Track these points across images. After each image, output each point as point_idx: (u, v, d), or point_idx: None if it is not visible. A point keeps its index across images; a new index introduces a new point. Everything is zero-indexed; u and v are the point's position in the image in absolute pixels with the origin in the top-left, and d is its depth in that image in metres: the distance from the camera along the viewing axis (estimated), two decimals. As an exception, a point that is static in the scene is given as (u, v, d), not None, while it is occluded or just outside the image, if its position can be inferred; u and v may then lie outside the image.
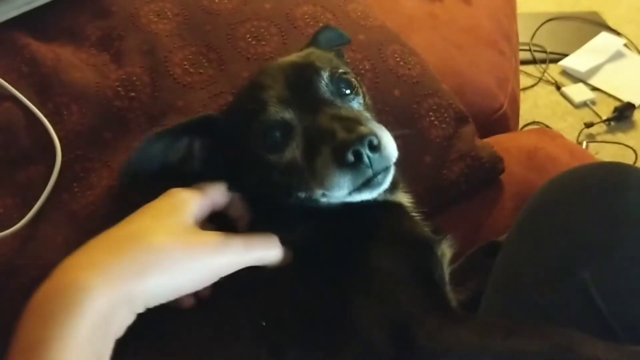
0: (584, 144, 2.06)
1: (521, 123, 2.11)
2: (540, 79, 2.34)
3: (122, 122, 0.78)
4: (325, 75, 0.66)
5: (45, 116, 0.77)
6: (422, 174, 0.89)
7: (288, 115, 0.63)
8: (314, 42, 0.78)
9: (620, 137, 2.14)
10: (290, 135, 0.63)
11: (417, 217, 0.72)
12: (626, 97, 2.23)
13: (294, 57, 0.71)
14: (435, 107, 0.92)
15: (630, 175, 0.68)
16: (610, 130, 2.16)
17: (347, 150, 0.57)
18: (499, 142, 0.99)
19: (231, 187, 0.64)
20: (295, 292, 0.61)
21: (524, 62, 2.41)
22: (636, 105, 2.20)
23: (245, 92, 0.69)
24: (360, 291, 0.58)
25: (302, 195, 0.63)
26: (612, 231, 0.63)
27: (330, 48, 0.78)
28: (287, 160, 0.63)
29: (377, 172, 0.59)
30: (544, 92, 2.31)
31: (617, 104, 2.21)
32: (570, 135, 2.12)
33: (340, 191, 0.59)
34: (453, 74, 1.12)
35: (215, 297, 0.61)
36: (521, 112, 2.22)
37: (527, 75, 2.36)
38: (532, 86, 2.32)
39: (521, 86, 2.31)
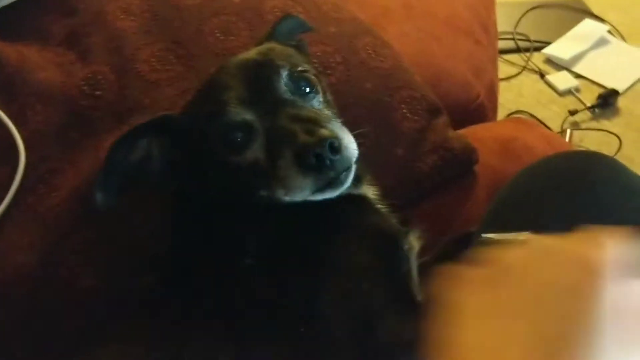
0: (568, 131, 2.05)
1: (505, 112, 2.12)
2: (524, 68, 2.33)
3: (88, 121, 0.77)
4: (284, 74, 0.65)
5: (9, 117, 0.76)
6: (394, 166, 0.88)
7: (249, 116, 0.62)
8: (273, 34, 0.76)
9: (604, 123, 2.14)
10: (251, 137, 0.62)
11: (384, 210, 0.72)
12: (610, 84, 2.22)
13: (253, 53, 0.70)
14: (407, 100, 0.91)
15: (599, 164, 0.68)
16: (595, 117, 2.16)
17: (309, 154, 0.57)
18: (474, 133, 0.99)
19: (192, 188, 0.63)
20: (263, 288, 0.60)
21: (508, 51, 2.40)
22: (620, 91, 2.20)
23: (205, 92, 0.68)
24: (324, 286, 0.58)
25: (265, 194, 0.63)
26: (577, 221, 0.63)
27: (292, 38, 0.77)
28: (249, 162, 0.63)
29: (339, 173, 0.60)
30: (528, 81, 2.31)
31: (602, 90, 2.20)
32: (555, 123, 2.11)
33: (302, 193, 0.60)
34: (429, 65, 1.11)
35: (187, 292, 0.61)
36: (505, 101, 2.23)
37: (511, 64, 2.35)
38: (516, 75, 2.31)
39: (505, 75, 2.32)
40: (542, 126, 1.08)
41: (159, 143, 0.66)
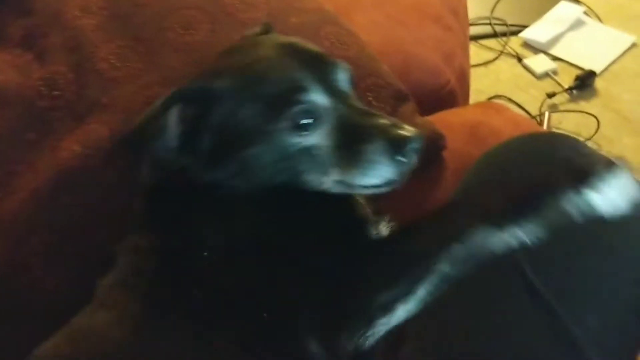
0: (546, 114, 2.06)
1: (484, 98, 2.12)
2: (501, 53, 2.33)
3: (46, 122, 0.76)
4: (347, 69, 0.68)
5: (-35, 121, 0.75)
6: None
7: (326, 101, 0.63)
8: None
9: (582, 105, 2.14)
10: (323, 119, 0.63)
11: (359, 199, 0.71)
12: (587, 65, 2.23)
13: (296, 40, 0.71)
14: (372, 87, 0.91)
15: (562, 145, 0.68)
16: (573, 99, 2.16)
17: (405, 146, 0.60)
18: (443, 119, 0.99)
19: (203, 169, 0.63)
20: (238, 285, 0.59)
21: (485, 37, 2.40)
22: (597, 72, 2.21)
23: (263, 67, 0.65)
24: (295, 287, 0.57)
25: (310, 179, 0.63)
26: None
27: None
28: (312, 143, 0.62)
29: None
30: (506, 66, 2.31)
31: (579, 72, 2.21)
32: (533, 107, 2.12)
33: (375, 180, 0.62)
34: (397, 52, 1.11)
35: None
36: (483, 86, 2.24)
37: (488, 49, 2.35)
38: (494, 60, 2.31)
39: (483, 60, 2.32)
40: (510, 109, 1.08)
41: (180, 115, 0.63)
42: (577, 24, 2.40)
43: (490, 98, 2.13)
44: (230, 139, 0.63)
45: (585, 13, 2.44)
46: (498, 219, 0.57)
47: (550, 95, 2.14)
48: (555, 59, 2.30)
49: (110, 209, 0.71)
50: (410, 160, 0.61)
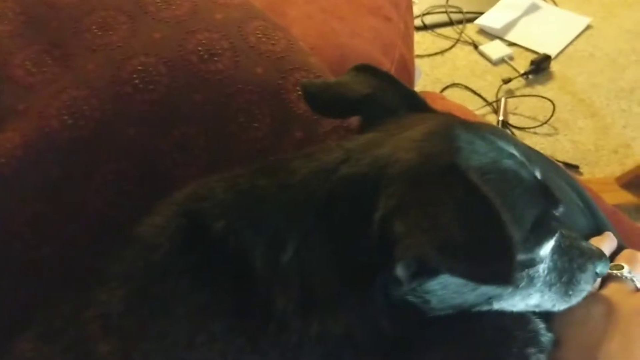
0: (503, 100, 2.06)
1: (440, 86, 2.12)
2: (457, 40, 2.33)
3: (-43, 133, 0.74)
4: None
5: None
6: (295, 149, 0.86)
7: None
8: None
9: (538, 89, 2.15)
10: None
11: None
12: (542, 49, 2.24)
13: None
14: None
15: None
16: (529, 84, 2.17)
17: (604, 269, 0.58)
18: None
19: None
20: None
21: (441, 25, 2.41)
22: (552, 56, 2.22)
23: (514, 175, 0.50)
24: None
25: (505, 304, 0.54)
26: None
27: None
28: (537, 267, 0.53)
29: None
30: (462, 53, 2.31)
31: (534, 57, 2.22)
32: (490, 93, 2.13)
33: (572, 305, 0.58)
34: (333, 46, 1.09)
35: None
36: (441, 75, 2.24)
37: (444, 37, 2.36)
38: (450, 48, 2.32)
39: (439, 49, 2.32)
40: (446, 99, 1.07)
41: None
42: (532, 8, 2.42)
43: (446, 87, 2.14)
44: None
45: (539, -3, 2.46)
46: None
47: (506, 81, 2.15)
48: (510, 44, 2.32)
49: (22, 220, 0.69)
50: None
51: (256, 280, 0.49)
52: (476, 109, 2.07)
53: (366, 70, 0.66)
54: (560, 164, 1.87)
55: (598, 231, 0.68)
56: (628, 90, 2.10)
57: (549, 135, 2.00)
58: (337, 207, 0.48)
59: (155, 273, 0.51)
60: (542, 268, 0.53)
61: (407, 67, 1.25)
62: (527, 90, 2.15)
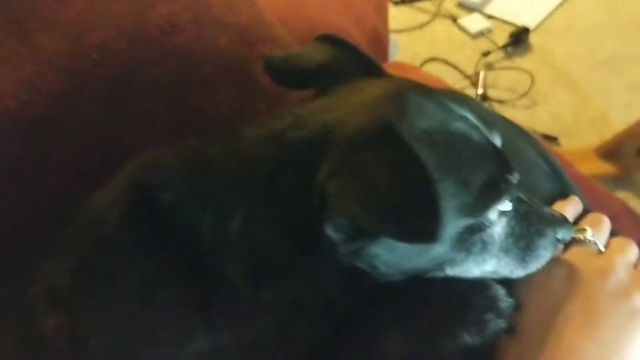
0: (481, 73, 2.06)
1: (419, 61, 2.11)
2: (436, 14, 2.31)
3: None
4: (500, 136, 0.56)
5: None
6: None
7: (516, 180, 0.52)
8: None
9: (517, 62, 2.15)
10: (512, 205, 0.53)
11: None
12: (521, 22, 2.23)
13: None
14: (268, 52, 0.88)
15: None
16: (508, 57, 2.16)
17: (567, 240, 0.57)
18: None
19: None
20: None
21: (420, -1, 2.38)
22: (531, 28, 2.21)
23: (460, 135, 0.49)
24: None
25: (460, 271, 0.53)
26: None
27: None
28: (493, 233, 0.52)
29: None
30: (441, 27, 2.30)
31: (513, 29, 2.21)
32: (469, 66, 2.11)
33: (530, 272, 0.56)
34: (303, 18, 1.08)
35: None
36: (420, 50, 2.22)
37: (423, 11, 2.34)
38: (429, 22, 2.30)
39: (418, 24, 2.30)
40: (421, 70, 1.06)
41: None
42: (511, -19, 2.39)
43: (425, 61, 2.12)
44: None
45: (518, -31, 2.44)
46: None
47: (485, 54, 2.14)
48: (489, 17, 2.30)
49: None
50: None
51: (205, 251, 0.49)
52: (455, 83, 2.06)
53: (327, 40, 0.64)
54: (539, 136, 1.87)
55: (564, 196, 0.68)
56: (607, 61, 2.10)
57: (528, 107, 1.99)
58: (283, 172, 0.47)
59: (103, 246, 0.50)
60: (497, 233, 0.52)
61: (380, 39, 1.23)
62: (506, 63, 2.14)
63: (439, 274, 0.52)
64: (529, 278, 0.57)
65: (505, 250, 0.53)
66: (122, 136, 0.78)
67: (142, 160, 0.56)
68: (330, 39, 0.65)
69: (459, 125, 0.49)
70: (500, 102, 2.00)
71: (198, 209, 0.49)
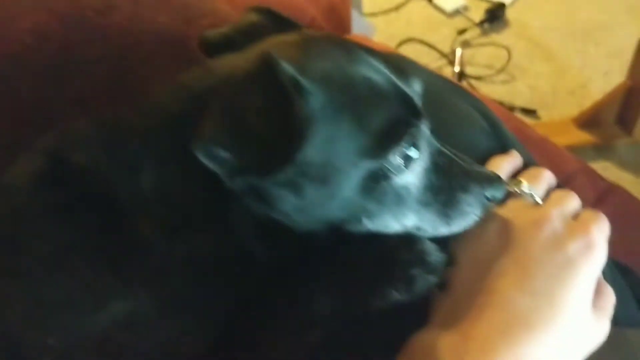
0: (458, 51, 2.04)
1: (396, 42, 2.09)
2: (411, -5, 2.29)
3: None
4: (421, 85, 0.54)
5: None
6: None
7: (427, 128, 0.51)
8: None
9: (494, 37, 2.13)
10: (423, 154, 0.51)
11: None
12: (497, -2, 2.21)
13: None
14: (209, 28, 0.86)
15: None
16: (485, 33, 2.14)
17: (497, 198, 0.53)
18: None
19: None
20: None
21: (395, -20, 2.36)
22: (507, 4, 2.19)
23: (362, 77, 0.47)
24: None
25: (378, 224, 0.51)
26: None
27: None
28: (404, 183, 0.49)
29: None
30: (417, 7, 2.27)
31: (489, 5, 2.19)
32: (446, 45, 2.10)
33: (456, 230, 0.54)
34: (253, -6, 1.06)
35: None
36: (396, 31, 2.20)
37: (398, -8, 2.32)
38: (405, 3, 2.28)
39: (394, 5, 2.28)
40: (374, 41, 1.04)
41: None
42: (485, -43, 2.37)
43: (401, 42, 2.10)
44: (304, 169, 0.45)
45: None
46: None
47: (461, 32, 2.12)
48: (465, -6, 2.28)
49: None
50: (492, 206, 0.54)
51: (120, 211, 0.47)
52: (432, 62, 2.04)
53: (255, 10, 0.63)
54: (518, 110, 1.85)
55: (503, 151, 0.66)
56: (583, 31, 2.08)
57: (506, 82, 1.97)
58: (188, 124, 0.46)
59: (17, 216, 0.49)
60: (412, 185, 0.50)
61: (337, 13, 1.21)
62: (484, 40, 2.12)
63: (359, 227, 0.50)
64: (462, 232, 0.56)
65: (425, 204, 0.51)
66: (58, 117, 0.76)
67: (59, 130, 0.55)
68: (258, 9, 0.65)
69: (360, 69, 0.47)
70: (478, 78, 1.98)
71: (110, 169, 0.48)
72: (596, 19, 2.10)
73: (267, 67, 0.42)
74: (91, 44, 0.79)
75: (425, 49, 2.09)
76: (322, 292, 0.51)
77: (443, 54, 2.06)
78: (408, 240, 0.52)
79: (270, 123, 0.41)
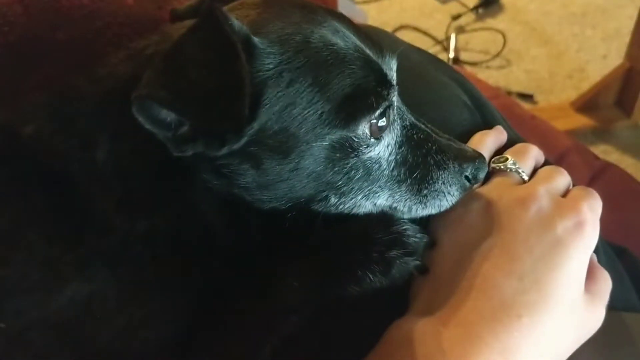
0: (452, 36, 1.99)
1: (389, 29, 2.04)
2: (404, -18, 2.25)
3: None
4: (396, 59, 0.51)
5: None
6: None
7: (399, 100, 0.49)
8: None
9: (489, 22, 2.08)
10: (394, 125, 0.48)
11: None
12: (491, -18, 2.17)
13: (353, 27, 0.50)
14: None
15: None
16: (479, 18, 2.10)
17: (477, 177, 0.51)
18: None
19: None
20: None
21: (387, -33, 2.32)
22: (502, -13, 2.15)
23: (329, 44, 0.44)
24: None
25: (345, 201, 0.48)
26: None
27: None
28: (373, 156, 0.47)
29: None
30: (410, -6, 2.24)
31: (483, -10, 2.15)
32: (440, 31, 2.05)
33: (433, 212, 0.51)
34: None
35: None
36: (388, 18, 2.16)
37: (391, -20, 2.28)
38: (398, -10, 2.24)
39: (387, -9, 2.24)
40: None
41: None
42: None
43: (395, 29, 2.06)
44: (261, 139, 0.43)
45: None
46: None
47: (456, 17, 2.07)
48: (459, -20, 2.23)
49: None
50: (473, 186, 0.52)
51: (74, 185, 0.44)
52: (426, 49, 2.00)
53: None
54: (515, 95, 1.81)
55: (486, 127, 0.62)
56: (579, 14, 2.04)
57: (502, 67, 1.93)
58: None
59: None
60: (384, 159, 0.47)
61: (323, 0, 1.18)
62: (478, 25, 2.08)
63: (327, 205, 0.47)
64: (445, 214, 0.52)
65: (398, 181, 0.48)
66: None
67: (12, 103, 0.52)
68: None
69: (325, 34, 0.44)
70: (473, 64, 1.94)
71: (63, 141, 0.45)
72: (592, 2, 2.05)
73: (210, 19, 0.39)
74: (56, 28, 0.76)
75: (420, 35, 2.05)
76: (292, 279, 0.48)
77: (437, 41, 2.02)
78: (385, 219, 0.49)
79: (212, 78, 0.38)
